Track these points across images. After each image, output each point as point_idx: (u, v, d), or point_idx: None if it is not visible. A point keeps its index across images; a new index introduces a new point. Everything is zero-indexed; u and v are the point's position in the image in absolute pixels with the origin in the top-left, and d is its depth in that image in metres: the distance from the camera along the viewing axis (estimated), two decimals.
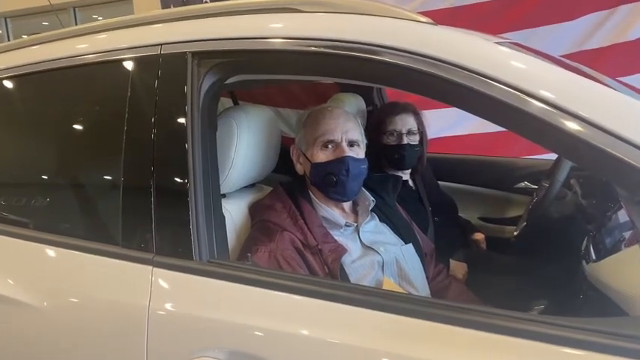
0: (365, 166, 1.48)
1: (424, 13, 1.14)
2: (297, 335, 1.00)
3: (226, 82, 1.23)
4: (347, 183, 1.43)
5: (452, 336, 0.90)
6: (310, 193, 1.49)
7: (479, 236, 2.38)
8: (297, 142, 1.53)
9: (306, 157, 1.48)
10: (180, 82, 1.16)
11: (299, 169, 1.53)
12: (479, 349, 0.88)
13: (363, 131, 1.54)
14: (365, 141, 1.54)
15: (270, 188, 1.56)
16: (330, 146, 1.44)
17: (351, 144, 1.45)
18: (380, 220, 1.57)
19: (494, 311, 0.91)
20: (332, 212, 1.47)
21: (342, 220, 1.46)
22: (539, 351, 0.84)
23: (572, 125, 0.88)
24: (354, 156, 1.44)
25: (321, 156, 1.44)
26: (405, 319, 0.93)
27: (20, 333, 1.26)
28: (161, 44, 1.21)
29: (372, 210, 1.55)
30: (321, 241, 1.35)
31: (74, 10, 7.59)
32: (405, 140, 2.06)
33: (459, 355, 0.88)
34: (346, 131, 1.45)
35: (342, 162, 1.42)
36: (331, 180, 1.43)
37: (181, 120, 1.15)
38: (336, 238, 1.40)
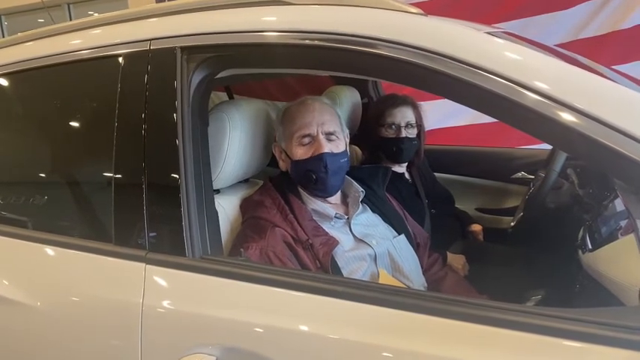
0: (346, 159, 1.46)
1: (419, 4, 1.13)
2: (292, 331, 0.99)
3: (217, 76, 1.22)
4: (327, 180, 1.41)
5: (450, 329, 0.89)
6: (298, 187, 1.48)
7: (476, 227, 2.38)
8: (277, 139, 1.52)
9: (286, 154, 1.47)
10: (170, 78, 1.15)
11: (282, 165, 1.52)
12: (477, 343, 0.87)
13: (342, 122, 1.52)
14: (347, 131, 1.53)
15: None
16: (307, 140, 1.42)
17: (329, 136, 1.43)
18: (371, 211, 1.56)
19: (492, 304, 0.91)
20: (321, 204, 1.46)
21: (332, 212, 1.45)
22: (534, 343, 0.83)
23: (567, 117, 0.87)
24: (333, 150, 1.42)
25: (300, 151, 1.43)
26: (402, 313, 0.93)
27: (14, 332, 1.26)
28: (150, 40, 1.20)
29: (362, 201, 1.54)
30: (311, 235, 1.34)
31: (69, 7, 7.56)
32: (404, 133, 2.05)
33: (458, 349, 0.88)
34: (322, 123, 1.42)
35: (319, 159, 1.40)
36: (311, 177, 1.42)
37: (172, 115, 1.14)
38: (327, 230, 1.39)
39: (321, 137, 1.41)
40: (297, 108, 1.47)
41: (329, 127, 1.43)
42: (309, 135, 1.42)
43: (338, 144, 1.45)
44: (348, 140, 1.52)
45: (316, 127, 1.42)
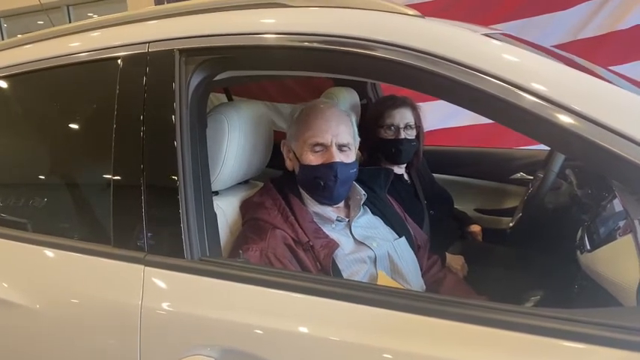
0: (354, 170, 1.45)
1: (418, 5, 1.13)
2: (291, 332, 0.99)
3: (215, 78, 1.22)
4: (335, 189, 1.41)
5: (450, 331, 0.89)
6: (300, 189, 1.47)
7: (475, 228, 2.38)
8: (288, 138, 1.51)
9: (295, 155, 1.47)
10: (169, 80, 1.15)
11: (288, 164, 1.51)
12: (476, 344, 0.87)
13: (355, 131, 1.51)
14: (358, 139, 1.52)
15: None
16: (319, 149, 1.41)
17: (342, 148, 1.42)
18: (372, 213, 1.56)
19: (490, 305, 0.91)
20: (323, 207, 1.46)
21: (333, 215, 1.45)
22: (533, 344, 0.83)
23: (564, 119, 0.87)
24: (344, 161, 1.41)
25: (310, 157, 1.41)
26: (401, 315, 0.93)
27: (14, 334, 1.26)
28: (148, 42, 1.20)
29: (364, 203, 1.53)
30: (312, 237, 1.34)
31: (68, 9, 7.56)
32: (403, 135, 2.04)
33: (457, 350, 0.88)
34: (337, 135, 1.41)
35: (330, 167, 1.39)
36: (319, 184, 1.41)
37: (170, 117, 1.14)
38: (327, 233, 1.39)
39: (334, 149, 1.40)
40: (314, 113, 1.45)
41: (343, 139, 1.42)
42: (322, 144, 1.41)
43: (349, 154, 1.44)
44: (357, 146, 1.52)
45: (330, 138, 1.40)
